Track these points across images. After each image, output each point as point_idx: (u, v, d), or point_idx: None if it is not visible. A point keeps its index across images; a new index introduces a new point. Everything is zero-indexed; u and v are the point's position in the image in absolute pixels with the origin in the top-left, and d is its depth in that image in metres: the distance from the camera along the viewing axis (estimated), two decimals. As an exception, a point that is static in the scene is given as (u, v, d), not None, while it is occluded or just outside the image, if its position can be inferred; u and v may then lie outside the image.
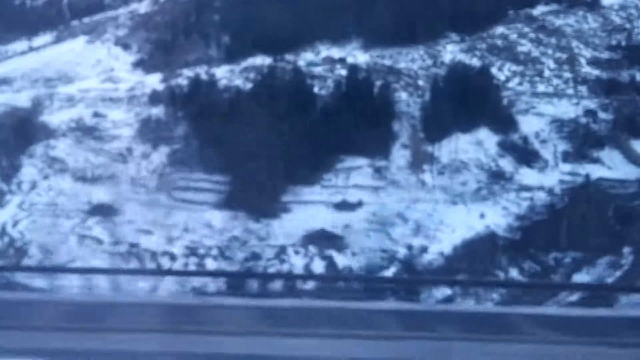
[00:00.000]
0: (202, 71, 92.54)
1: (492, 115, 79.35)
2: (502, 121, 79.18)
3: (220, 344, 13.17)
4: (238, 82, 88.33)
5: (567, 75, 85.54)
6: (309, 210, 70.14)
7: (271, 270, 58.51)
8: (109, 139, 78.59)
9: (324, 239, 63.83)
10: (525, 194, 70.68)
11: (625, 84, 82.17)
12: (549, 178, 71.96)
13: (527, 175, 73.11)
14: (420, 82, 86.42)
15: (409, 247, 62.78)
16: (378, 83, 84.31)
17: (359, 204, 71.62)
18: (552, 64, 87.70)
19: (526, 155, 75.36)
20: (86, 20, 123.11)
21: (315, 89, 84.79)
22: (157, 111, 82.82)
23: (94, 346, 13.16)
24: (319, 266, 60.20)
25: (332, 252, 62.04)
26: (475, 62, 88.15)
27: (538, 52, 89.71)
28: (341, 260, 61.10)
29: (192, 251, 60.82)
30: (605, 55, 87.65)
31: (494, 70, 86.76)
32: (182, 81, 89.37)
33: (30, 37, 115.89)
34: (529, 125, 78.53)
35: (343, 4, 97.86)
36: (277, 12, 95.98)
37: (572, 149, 74.77)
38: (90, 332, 13.77)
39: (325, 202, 71.84)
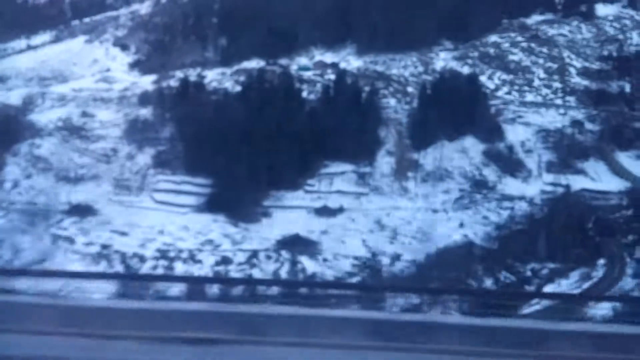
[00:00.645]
0: (193, 73, 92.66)
1: (479, 124, 78.89)
2: (489, 130, 78.74)
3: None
4: (228, 84, 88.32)
5: (557, 85, 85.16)
6: (289, 215, 69.90)
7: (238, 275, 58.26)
8: (95, 139, 78.64)
9: (297, 245, 63.56)
10: (507, 204, 70.26)
11: (613, 95, 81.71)
12: (532, 188, 71.60)
13: (510, 185, 72.69)
14: (410, 89, 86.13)
15: (382, 255, 62.45)
16: (367, 89, 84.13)
17: (340, 209, 71.41)
18: (542, 74, 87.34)
19: (510, 164, 74.91)
20: (87, 20, 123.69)
21: (304, 94, 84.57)
22: (145, 112, 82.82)
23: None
24: (290, 271, 59.93)
25: (304, 258, 61.67)
26: (466, 70, 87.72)
27: (529, 61, 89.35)
28: (311, 266, 60.79)
29: (162, 254, 60.65)
30: (596, 65, 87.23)
31: (483, 78, 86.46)
32: (174, 83, 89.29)
33: (30, 35, 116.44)
34: (515, 134, 78.17)
35: (340, 10, 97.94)
36: (275, 17, 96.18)
37: (557, 159, 74.33)
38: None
39: (307, 207, 71.68)
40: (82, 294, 15.53)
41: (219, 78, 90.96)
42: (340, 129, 75.09)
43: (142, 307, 14.29)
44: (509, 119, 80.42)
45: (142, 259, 60.14)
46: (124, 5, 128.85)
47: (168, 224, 65.69)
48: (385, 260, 61.68)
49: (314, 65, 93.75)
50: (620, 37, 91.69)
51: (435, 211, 70.95)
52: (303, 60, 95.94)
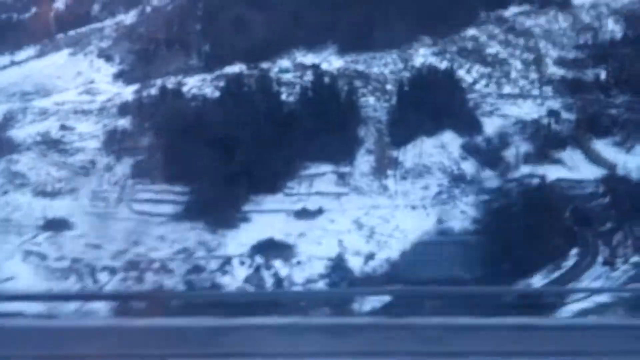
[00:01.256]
0: (173, 81, 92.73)
1: (457, 118, 78.97)
2: (467, 124, 78.76)
3: None
4: (207, 90, 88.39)
5: (533, 76, 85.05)
6: (268, 219, 69.87)
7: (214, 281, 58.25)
8: (73, 152, 78.80)
9: (272, 249, 63.50)
10: (484, 197, 70.15)
11: (589, 83, 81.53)
12: (509, 180, 71.48)
13: (488, 178, 72.58)
14: (389, 87, 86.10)
15: (357, 255, 62.40)
16: (346, 88, 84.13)
17: (319, 211, 71.40)
18: (519, 65, 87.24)
19: (488, 157, 74.80)
20: (72, 33, 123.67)
21: (283, 96, 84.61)
22: (124, 122, 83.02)
23: None
24: (261, 277, 59.91)
25: (278, 262, 61.64)
26: (445, 64, 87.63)
27: (506, 53, 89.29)
28: (284, 270, 60.77)
29: (133, 265, 60.61)
30: (572, 54, 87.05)
31: (462, 72, 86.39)
32: (154, 91, 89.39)
33: (14, 51, 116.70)
34: (492, 127, 78.06)
35: (321, 12, 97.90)
36: (257, 21, 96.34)
37: (534, 150, 74.16)
38: None
39: (287, 210, 71.64)
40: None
41: (199, 84, 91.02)
42: (320, 130, 75.14)
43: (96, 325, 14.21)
44: (486, 112, 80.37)
45: (112, 271, 60.13)
46: (109, 16, 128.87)
47: (144, 234, 65.67)
48: (359, 260, 61.63)
49: (294, 67, 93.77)
50: (596, 24, 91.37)
51: (413, 208, 70.94)
52: (285, 63, 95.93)
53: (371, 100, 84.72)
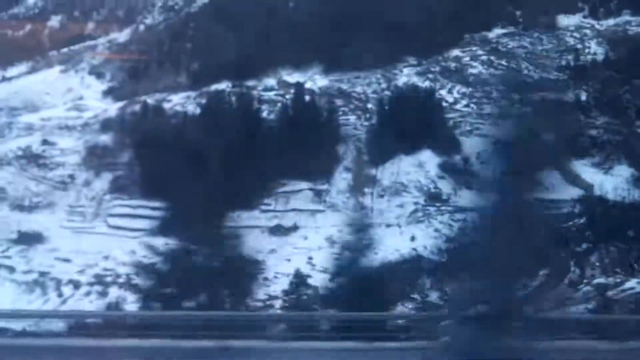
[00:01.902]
0: (159, 98, 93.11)
1: (436, 137, 79.07)
2: (446, 143, 78.83)
3: None
4: (190, 107, 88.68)
5: (514, 96, 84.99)
6: (243, 235, 69.87)
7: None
8: (53, 167, 79.06)
9: (242, 265, 63.31)
10: (459, 216, 70.07)
11: (570, 104, 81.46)
12: (484, 200, 71.25)
13: (464, 197, 72.47)
14: (370, 105, 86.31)
15: (324, 272, 62.23)
16: (327, 107, 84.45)
17: (294, 227, 71.51)
18: (500, 86, 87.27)
19: (465, 177, 74.72)
20: (65, 50, 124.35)
21: (264, 114, 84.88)
22: (106, 138, 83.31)
23: None
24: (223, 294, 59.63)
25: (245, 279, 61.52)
26: (427, 84, 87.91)
27: (488, 74, 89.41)
28: (250, 287, 60.64)
29: (98, 279, 60.64)
30: (553, 76, 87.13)
31: (443, 92, 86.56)
32: (137, 108, 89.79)
33: (6, 67, 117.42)
34: (471, 146, 78.00)
35: (308, 32, 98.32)
36: (246, 41, 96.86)
37: (511, 170, 73.91)
38: None
39: (261, 227, 71.73)
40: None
41: (183, 102, 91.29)
42: (299, 148, 75.34)
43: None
44: (465, 131, 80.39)
45: (77, 285, 60.20)
46: (103, 34, 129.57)
47: (116, 248, 65.77)
48: (324, 278, 61.43)
49: (278, 85, 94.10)
50: (579, 46, 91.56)
51: (388, 226, 70.88)
52: (270, 81, 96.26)
53: (352, 118, 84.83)
